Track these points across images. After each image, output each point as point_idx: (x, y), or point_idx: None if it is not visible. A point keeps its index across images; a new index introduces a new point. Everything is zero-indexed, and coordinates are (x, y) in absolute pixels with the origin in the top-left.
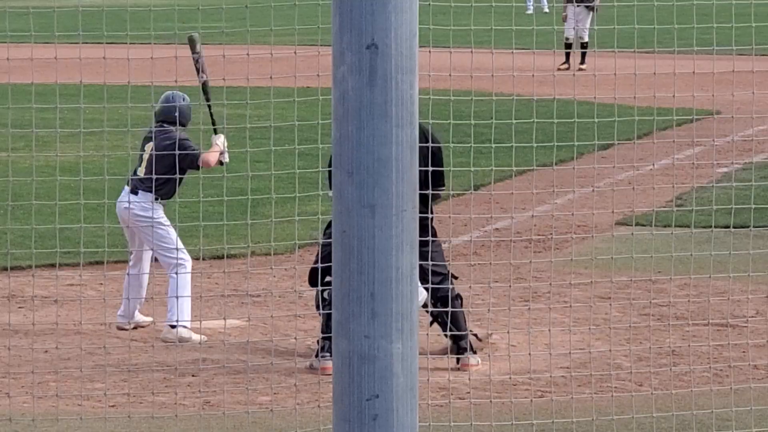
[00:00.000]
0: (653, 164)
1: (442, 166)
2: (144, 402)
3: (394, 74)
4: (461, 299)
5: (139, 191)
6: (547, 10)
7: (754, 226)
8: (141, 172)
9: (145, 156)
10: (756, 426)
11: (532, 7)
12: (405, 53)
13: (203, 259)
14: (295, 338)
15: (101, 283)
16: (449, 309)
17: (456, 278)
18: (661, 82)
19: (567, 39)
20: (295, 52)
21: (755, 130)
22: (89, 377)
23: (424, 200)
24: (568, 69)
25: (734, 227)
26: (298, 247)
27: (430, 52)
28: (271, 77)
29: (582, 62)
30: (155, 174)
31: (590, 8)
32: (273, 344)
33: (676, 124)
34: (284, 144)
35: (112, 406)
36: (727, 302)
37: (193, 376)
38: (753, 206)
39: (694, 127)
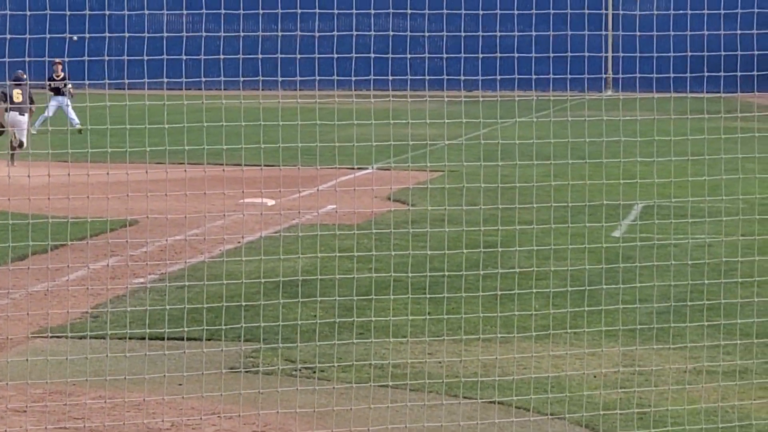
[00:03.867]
0: (68, 275)
1: None
2: None
3: None
4: None
5: None
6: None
7: (168, 338)
8: None
9: None
10: None
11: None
12: None
13: None
14: None
15: None
16: None
17: None
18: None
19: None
20: None
21: (170, 240)
22: None
23: None
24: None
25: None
26: None
27: None
28: None
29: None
30: None
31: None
32: None
33: (90, 234)
34: None
35: None
36: (142, 414)
37: None
38: (167, 319)
39: (108, 236)
